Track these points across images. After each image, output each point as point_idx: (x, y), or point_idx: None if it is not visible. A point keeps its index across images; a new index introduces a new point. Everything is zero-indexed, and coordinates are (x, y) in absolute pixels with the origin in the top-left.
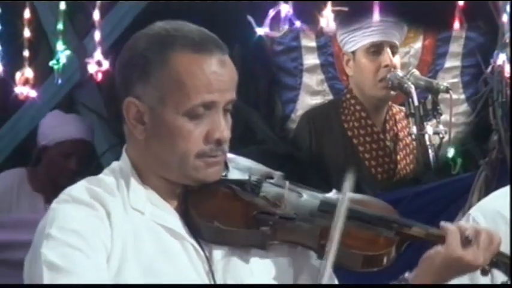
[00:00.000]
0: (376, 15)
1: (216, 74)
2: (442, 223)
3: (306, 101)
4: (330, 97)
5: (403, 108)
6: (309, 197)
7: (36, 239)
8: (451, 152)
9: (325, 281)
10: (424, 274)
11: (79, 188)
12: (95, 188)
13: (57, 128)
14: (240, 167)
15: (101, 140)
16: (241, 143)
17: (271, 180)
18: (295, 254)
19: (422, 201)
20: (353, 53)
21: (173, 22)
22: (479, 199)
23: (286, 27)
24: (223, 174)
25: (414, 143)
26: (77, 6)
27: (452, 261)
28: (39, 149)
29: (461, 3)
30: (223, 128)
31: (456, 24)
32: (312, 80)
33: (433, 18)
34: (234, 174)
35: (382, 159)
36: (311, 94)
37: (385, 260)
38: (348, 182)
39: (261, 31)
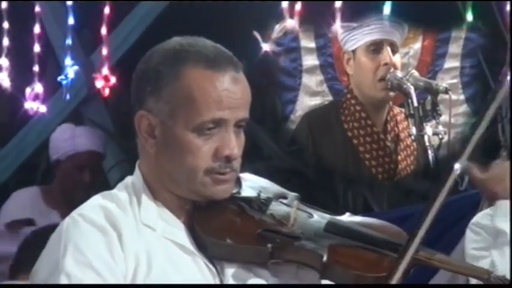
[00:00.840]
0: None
1: (228, 91)
2: None
3: (305, 102)
4: (329, 98)
5: (403, 110)
6: (318, 218)
7: (50, 255)
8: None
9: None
10: None
11: (92, 207)
12: (108, 205)
13: (69, 141)
14: (254, 186)
15: (108, 156)
16: (247, 159)
17: (284, 201)
18: (302, 274)
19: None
20: (353, 51)
21: (190, 38)
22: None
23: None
24: (236, 191)
25: (415, 144)
26: (84, 21)
27: None
28: (51, 164)
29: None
30: (233, 145)
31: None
32: (311, 80)
33: (433, 18)
34: (246, 192)
35: (383, 159)
36: (310, 95)
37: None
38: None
39: (266, 47)
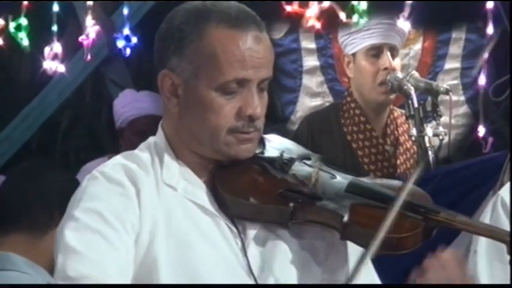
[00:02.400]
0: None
1: (251, 50)
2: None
3: (306, 103)
4: (330, 99)
5: (403, 111)
6: (340, 179)
7: (67, 210)
8: (482, 131)
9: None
10: None
11: (113, 165)
12: (130, 165)
13: (128, 106)
14: (277, 146)
15: None
16: (268, 121)
17: (307, 161)
18: (325, 234)
19: (452, 180)
20: (353, 55)
21: (213, 0)
22: (510, 178)
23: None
24: (260, 151)
25: (415, 147)
26: None
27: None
28: (117, 132)
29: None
30: (256, 104)
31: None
32: (312, 81)
33: (433, 19)
34: (269, 152)
35: (381, 163)
36: (311, 96)
37: (409, 243)
38: (416, 173)
39: (289, 8)
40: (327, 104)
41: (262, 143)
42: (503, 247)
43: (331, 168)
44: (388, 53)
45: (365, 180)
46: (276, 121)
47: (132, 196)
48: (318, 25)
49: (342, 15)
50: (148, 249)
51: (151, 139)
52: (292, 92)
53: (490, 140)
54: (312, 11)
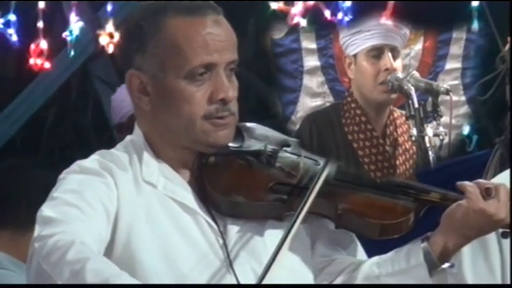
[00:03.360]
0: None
1: (212, 34)
2: (459, 182)
3: (306, 103)
4: (330, 99)
5: (403, 111)
6: (323, 164)
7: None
8: (466, 129)
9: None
10: (447, 231)
11: (91, 161)
12: (107, 162)
13: (127, 100)
14: (256, 136)
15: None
16: (253, 117)
17: (288, 149)
18: (310, 221)
19: (437, 179)
20: (354, 56)
21: None
22: (494, 177)
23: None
24: (238, 145)
25: (414, 147)
26: None
27: (474, 213)
28: (116, 129)
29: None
30: (227, 87)
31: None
32: (313, 82)
33: (434, 19)
34: (249, 145)
35: (382, 163)
36: (311, 96)
37: (403, 227)
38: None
39: (274, 5)
40: (328, 104)
41: (240, 134)
42: (488, 245)
43: (313, 154)
44: (389, 54)
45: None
46: (276, 121)
47: (111, 186)
48: (303, 22)
49: (327, 13)
50: (126, 244)
51: (128, 138)
52: (292, 92)
53: (475, 138)
54: (296, 9)
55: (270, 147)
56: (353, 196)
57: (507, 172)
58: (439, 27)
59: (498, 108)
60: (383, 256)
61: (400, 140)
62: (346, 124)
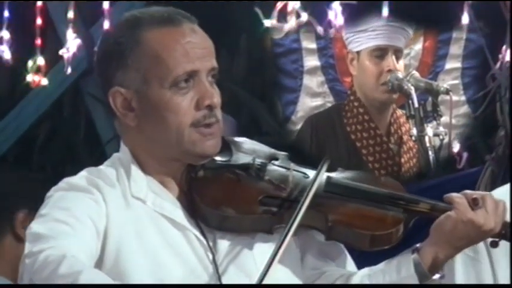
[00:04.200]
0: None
1: (191, 42)
2: (446, 195)
3: (307, 103)
4: (331, 99)
5: (405, 112)
6: (313, 177)
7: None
8: (456, 147)
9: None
10: (437, 242)
11: (79, 177)
12: (95, 179)
13: None
14: (244, 150)
15: (107, 129)
16: (245, 134)
17: (276, 162)
18: (299, 234)
19: (428, 196)
20: (357, 53)
21: (141, 9)
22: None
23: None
24: (227, 159)
25: (417, 146)
26: None
27: (463, 224)
28: None
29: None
30: (211, 93)
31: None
32: (313, 81)
33: (434, 19)
34: (238, 158)
35: (386, 161)
36: (311, 96)
37: (393, 238)
38: (322, 168)
39: (268, 23)
40: (328, 104)
41: (228, 148)
42: (479, 249)
43: (301, 166)
44: (393, 55)
45: (337, 175)
46: (270, 138)
47: (99, 202)
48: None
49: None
50: (115, 260)
51: (115, 155)
52: (292, 92)
53: (465, 155)
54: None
55: (258, 161)
56: (343, 207)
57: (500, 189)
58: (439, 27)
59: (489, 126)
60: (373, 268)
61: (405, 138)
62: (349, 124)
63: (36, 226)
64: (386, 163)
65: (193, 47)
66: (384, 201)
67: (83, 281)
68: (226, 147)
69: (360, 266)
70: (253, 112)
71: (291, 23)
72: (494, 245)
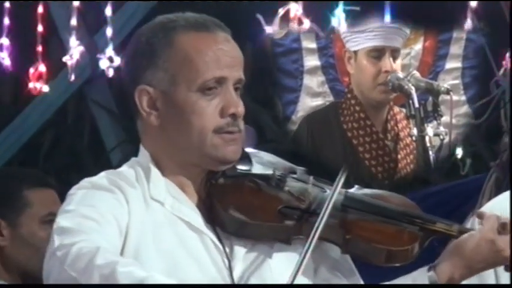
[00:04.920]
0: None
1: (223, 50)
2: (478, 210)
3: (307, 103)
4: (331, 99)
5: (403, 109)
6: (330, 192)
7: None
8: (460, 153)
9: (299, 273)
10: (455, 261)
11: (99, 177)
12: (116, 179)
13: None
14: (264, 162)
15: (111, 136)
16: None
17: (295, 175)
18: (315, 247)
19: (432, 203)
20: (355, 52)
21: (175, 13)
22: (489, 201)
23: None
24: (247, 168)
25: (414, 143)
26: (89, 2)
27: (486, 244)
28: None
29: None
30: (237, 102)
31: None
32: (313, 81)
33: (434, 19)
34: (257, 169)
35: (382, 158)
36: (312, 96)
37: (409, 255)
38: (342, 176)
39: (270, 29)
40: (328, 104)
41: (248, 159)
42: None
43: (319, 181)
44: (390, 56)
45: (355, 191)
46: (275, 145)
47: (122, 202)
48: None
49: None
50: (134, 259)
51: (134, 159)
52: (293, 92)
53: (468, 161)
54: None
55: (278, 172)
56: (361, 222)
57: (503, 195)
58: (439, 26)
59: (493, 132)
60: (387, 284)
61: (401, 134)
62: (345, 121)
63: (63, 221)
64: (383, 160)
65: (224, 55)
66: (401, 219)
67: (120, 270)
68: (247, 157)
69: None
70: (257, 120)
71: (293, 29)
72: (508, 269)
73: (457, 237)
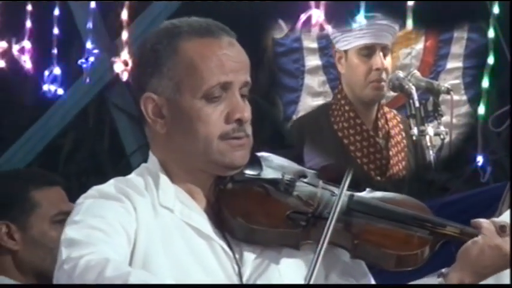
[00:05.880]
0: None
1: (227, 55)
2: (474, 220)
3: (308, 103)
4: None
5: (393, 110)
6: (342, 196)
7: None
8: (480, 161)
9: (313, 279)
10: (463, 268)
11: (107, 185)
12: (124, 187)
13: None
14: (274, 166)
15: (131, 140)
16: (268, 147)
17: (305, 179)
18: (325, 253)
19: (451, 211)
20: (345, 51)
21: (179, 18)
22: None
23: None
24: (256, 173)
25: (405, 141)
26: (110, 5)
27: (490, 250)
28: None
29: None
30: (243, 107)
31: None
32: (314, 81)
33: (435, 18)
34: (267, 173)
35: (374, 155)
36: (313, 95)
37: (419, 259)
38: (347, 178)
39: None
40: (318, 106)
41: (258, 163)
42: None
43: (329, 184)
44: (381, 53)
45: (364, 195)
46: (277, 122)
47: (130, 210)
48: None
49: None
50: (142, 269)
51: (143, 165)
52: (294, 92)
53: (489, 169)
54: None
55: (287, 177)
56: (370, 226)
57: None
58: (440, 26)
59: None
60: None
61: (392, 132)
62: (336, 122)
63: (71, 232)
64: (375, 157)
65: (228, 59)
66: (411, 223)
67: (133, 281)
68: (256, 161)
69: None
70: (276, 125)
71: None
72: None
73: (468, 241)
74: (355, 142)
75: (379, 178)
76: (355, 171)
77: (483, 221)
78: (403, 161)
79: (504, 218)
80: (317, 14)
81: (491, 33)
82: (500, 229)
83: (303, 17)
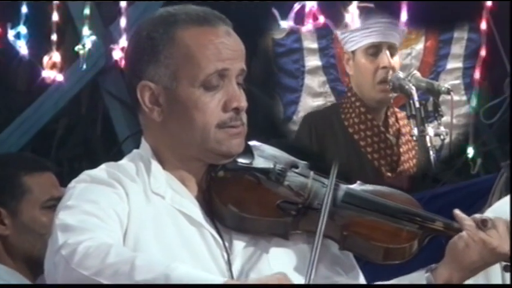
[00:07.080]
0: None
1: (224, 43)
2: (456, 211)
3: (308, 103)
4: (332, 99)
5: (403, 111)
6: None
7: (57, 209)
8: (471, 153)
9: (313, 274)
10: (450, 263)
11: (99, 170)
12: (116, 172)
13: None
14: (265, 155)
15: (123, 127)
16: (262, 136)
17: (296, 170)
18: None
19: (442, 202)
20: (353, 52)
21: (175, 5)
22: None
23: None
24: (248, 161)
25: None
26: None
27: (475, 244)
28: None
29: (489, 3)
30: (239, 96)
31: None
32: (314, 81)
33: (436, 19)
34: (259, 162)
35: (385, 151)
36: (313, 96)
37: (407, 253)
38: (334, 170)
39: (285, 24)
40: (329, 104)
41: (250, 152)
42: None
43: (320, 176)
44: (387, 52)
45: (354, 187)
46: (278, 122)
47: (122, 196)
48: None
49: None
50: (134, 251)
51: (135, 151)
52: (294, 92)
53: (479, 161)
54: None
55: (279, 166)
56: (359, 218)
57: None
58: (440, 26)
59: (505, 132)
60: (385, 283)
61: (403, 130)
62: (346, 118)
63: (65, 217)
64: (385, 153)
65: (225, 48)
66: (400, 216)
67: (139, 265)
68: (248, 150)
69: (370, 281)
70: (270, 114)
71: (308, 26)
72: (507, 269)
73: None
74: (366, 138)
75: (389, 174)
76: (366, 166)
77: (464, 217)
78: (413, 159)
79: (495, 208)
80: (310, 4)
81: (483, 25)
82: (482, 223)
83: (296, 6)
